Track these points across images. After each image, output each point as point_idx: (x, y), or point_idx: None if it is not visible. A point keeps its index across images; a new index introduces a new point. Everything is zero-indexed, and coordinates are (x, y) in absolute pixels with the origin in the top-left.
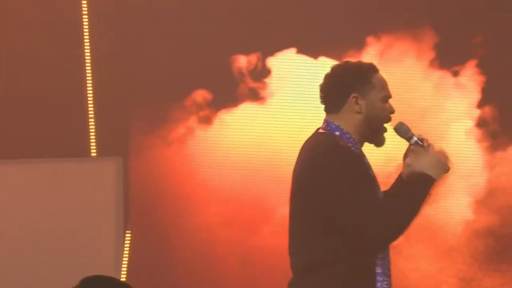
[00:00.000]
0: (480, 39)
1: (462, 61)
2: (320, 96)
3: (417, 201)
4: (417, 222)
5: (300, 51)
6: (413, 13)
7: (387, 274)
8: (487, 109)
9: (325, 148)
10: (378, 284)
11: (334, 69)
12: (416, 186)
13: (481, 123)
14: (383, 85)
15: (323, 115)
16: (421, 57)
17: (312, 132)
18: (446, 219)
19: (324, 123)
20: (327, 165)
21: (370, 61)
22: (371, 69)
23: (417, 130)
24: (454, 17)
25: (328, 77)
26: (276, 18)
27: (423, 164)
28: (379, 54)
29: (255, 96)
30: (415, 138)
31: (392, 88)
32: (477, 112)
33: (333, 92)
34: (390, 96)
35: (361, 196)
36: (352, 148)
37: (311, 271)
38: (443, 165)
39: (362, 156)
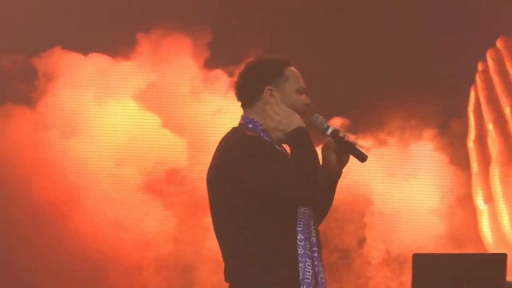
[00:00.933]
0: (255, 40)
1: (236, 62)
2: (236, 93)
3: (305, 150)
4: None
5: (68, 48)
6: (190, 11)
7: (310, 256)
8: None
9: (233, 140)
10: (300, 265)
11: (247, 65)
12: (295, 143)
13: None
14: (297, 77)
15: (106, 112)
16: (196, 56)
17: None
18: None
19: (240, 119)
20: (236, 154)
21: (142, 59)
22: (283, 62)
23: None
24: (231, 17)
25: (241, 73)
26: (40, 18)
27: (283, 125)
28: (151, 52)
29: (23, 98)
30: (331, 130)
31: (165, 86)
32: None
33: (248, 87)
34: (304, 88)
35: (272, 163)
36: (265, 138)
37: (234, 260)
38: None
39: (273, 143)
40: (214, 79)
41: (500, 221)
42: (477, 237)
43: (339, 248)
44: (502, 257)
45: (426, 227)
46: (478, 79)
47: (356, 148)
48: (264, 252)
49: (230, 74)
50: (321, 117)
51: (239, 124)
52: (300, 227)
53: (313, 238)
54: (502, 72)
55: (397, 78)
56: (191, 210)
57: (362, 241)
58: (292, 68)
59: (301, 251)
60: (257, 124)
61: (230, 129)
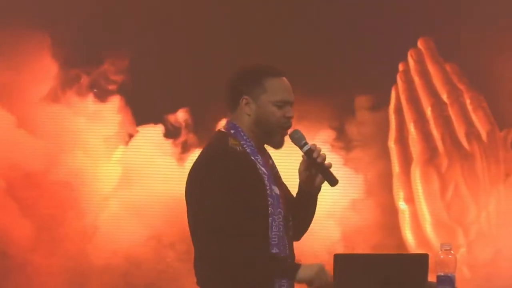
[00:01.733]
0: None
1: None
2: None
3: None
4: None
5: None
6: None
7: (283, 243)
8: None
9: (209, 152)
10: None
11: (234, 72)
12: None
13: None
14: (278, 89)
15: None
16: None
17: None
18: None
19: (225, 122)
20: (204, 166)
21: None
22: (266, 72)
23: None
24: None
25: (228, 78)
26: None
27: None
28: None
29: None
30: (307, 147)
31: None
32: None
33: (228, 93)
34: (288, 101)
35: (220, 216)
36: (245, 146)
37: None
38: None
39: (252, 154)
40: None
41: (421, 221)
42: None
43: None
44: (424, 257)
45: (320, 230)
46: (399, 80)
47: (327, 171)
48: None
49: (89, 74)
50: (300, 132)
51: (224, 128)
52: (275, 241)
53: (289, 253)
54: (423, 73)
55: (316, 77)
56: (49, 216)
57: None
58: (278, 79)
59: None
60: (239, 129)
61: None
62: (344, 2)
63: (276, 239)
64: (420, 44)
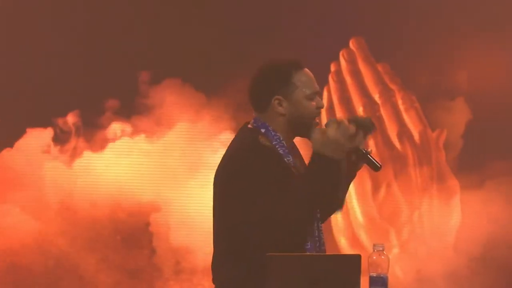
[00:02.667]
0: None
1: None
2: (248, 98)
3: (316, 185)
4: None
5: None
6: None
7: (316, 229)
8: None
9: (242, 147)
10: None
11: (258, 71)
12: (312, 169)
13: None
14: (307, 82)
15: None
16: None
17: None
18: None
19: (252, 118)
20: (238, 168)
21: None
22: (293, 67)
23: None
24: None
25: (252, 79)
26: None
27: (320, 143)
28: None
29: None
30: None
31: None
32: None
33: (256, 94)
34: (318, 92)
35: (262, 203)
36: (277, 147)
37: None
38: (340, 146)
39: (284, 155)
40: None
41: (352, 221)
42: (330, 238)
43: (126, 268)
44: (357, 258)
45: None
46: (331, 80)
47: (370, 157)
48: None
49: None
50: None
51: (250, 124)
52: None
53: (322, 247)
54: (355, 73)
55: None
56: None
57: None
58: (303, 72)
59: (309, 246)
60: (270, 129)
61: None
62: (275, 2)
63: (309, 231)
64: (351, 44)
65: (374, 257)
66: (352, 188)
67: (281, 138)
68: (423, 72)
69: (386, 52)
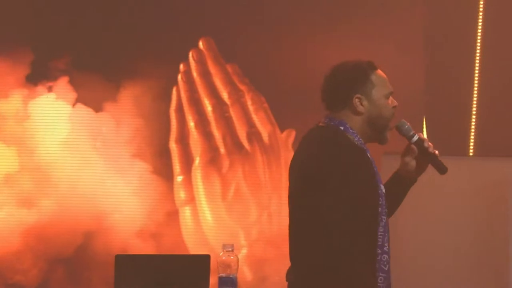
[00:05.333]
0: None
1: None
2: (322, 97)
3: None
4: None
5: None
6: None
7: (383, 270)
8: None
9: (327, 140)
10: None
11: (334, 70)
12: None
13: None
14: (384, 81)
15: None
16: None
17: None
18: None
19: (325, 118)
20: (327, 164)
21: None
22: (369, 67)
23: None
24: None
25: (328, 79)
26: None
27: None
28: None
29: None
30: (416, 138)
31: None
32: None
33: (335, 94)
34: (392, 92)
35: (356, 192)
36: (357, 143)
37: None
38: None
39: (365, 151)
40: None
41: (201, 222)
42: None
43: None
44: (206, 258)
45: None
46: (181, 80)
47: (437, 159)
48: (339, 260)
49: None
50: (408, 123)
51: (322, 123)
52: (380, 241)
53: (388, 250)
54: (205, 73)
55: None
56: None
57: None
58: (378, 72)
59: (376, 265)
60: (347, 126)
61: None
62: (125, 3)
63: (380, 239)
64: (201, 44)
65: (223, 258)
66: (201, 188)
67: (359, 137)
68: (273, 73)
69: (235, 52)
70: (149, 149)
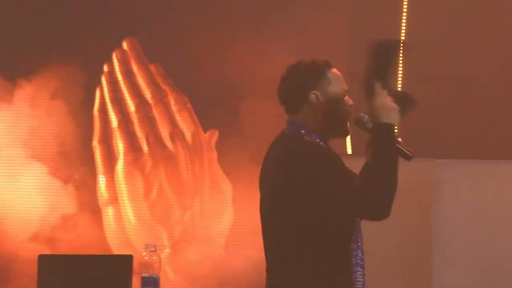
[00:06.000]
0: None
1: None
2: (279, 98)
3: (385, 151)
4: None
5: None
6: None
7: (360, 265)
8: None
9: (293, 145)
10: (354, 275)
11: (290, 69)
12: (376, 140)
13: None
14: (340, 79)
15: None
16: None
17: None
18: None
19: (287, 124)
20: (299, 160)
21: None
22: (325, 64)
23: None
24: None
25: (285, 78)
26: None
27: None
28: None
29: None
30: None
31: None
32: None
33: (292, 92)
34: (348, 90)
35: (340, 176)
36: (320, 144)
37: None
38: (394, 108)
39: (331, 149)
40: None
41: (124, 222)
42: (102, 240)
43: None
44: (128, 258)
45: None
46: (104, 80)
47: (400, 147)
48: (316, 261)
49: None
50: (366, 116)
51: (287, 129)
52: (354, 238)
53: (362, 245)
54: (128, 73)
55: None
56: None
57: None
58: (334, 70)
59: (353, 260)
60: (308, 129)
61: (279, 133)
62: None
63: (355, 235)
64: (125, 44)
65: (146, 258)
66: (124, 188)
67: (321, 137)
68: (196, 73)
69: (159, 53)
70: (47, 150)
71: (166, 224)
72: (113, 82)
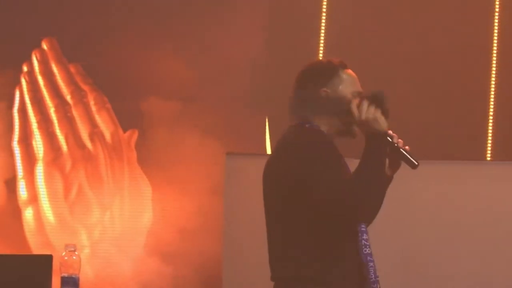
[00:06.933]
0: None
1: None
2: (292, 92)
3: (375, 159)
4: None
5: None
6: None
7: (364, 230)
8: None
9: (295, 136)
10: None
11: (306, 66)
12: (368, 148)
13: None
14: (353, 80)
15: None
16: None
17: None
18: None
19: (295, 118)
20: (299, 149)
21: None
22: (340, 64)
23: None
24: None
25: (298, 75)
26: None
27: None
28: None
29: None
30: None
31: None
32: None
33: (303, 88)
34: (360, 92)
35: (335, 171)
36: (323, 134)
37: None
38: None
39: (332, 144)
40: None
41: (44, 222)
42: (22, 240)
43: None
44: (48, 258)
45: None
46: (23, 80)
47: (407, 155)
48: (325, 254)
49: None
50: None
51: (295, 124)
52: (363, 228)
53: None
54: (48, 73)
55: None
56: None
57: None
58: (348, 71)
59: (366, 250)
60: (314, 123)
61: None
62: None
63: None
64: (44, 44)
65: (66, 258)
66: (44, 188)
67: (325, 134)
68: (116, 73)
69: (79, 53)
70: None
71: (86, 224)
72: (32, 82)
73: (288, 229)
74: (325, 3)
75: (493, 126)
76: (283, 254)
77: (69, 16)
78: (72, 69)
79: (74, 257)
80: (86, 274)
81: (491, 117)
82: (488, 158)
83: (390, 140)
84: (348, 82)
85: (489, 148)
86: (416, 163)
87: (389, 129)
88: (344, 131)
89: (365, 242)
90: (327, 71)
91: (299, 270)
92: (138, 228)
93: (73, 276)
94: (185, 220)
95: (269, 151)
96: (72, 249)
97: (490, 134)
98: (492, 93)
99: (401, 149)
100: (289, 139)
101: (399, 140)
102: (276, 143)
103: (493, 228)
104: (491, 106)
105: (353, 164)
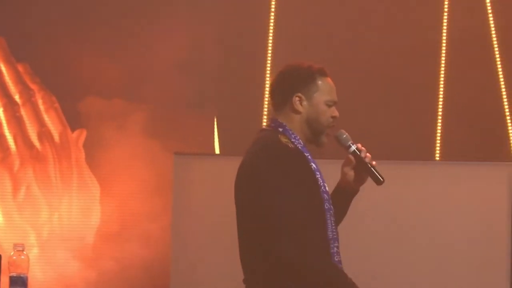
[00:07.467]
0: None
1: None
2: (269, 92)
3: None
4: None
5: None
6: None
7: (335, 238)
8: None
9: (265, 144)
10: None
11: (283, 68)
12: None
13: None
14: (329, 88)
15: None
16: None
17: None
18: None
19: (269, 120)
20: (263, 163)
21: None
22: (319, 71)
23: None
24: None
25: (276, 75)
26: None
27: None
28: None
29: None
30: (353, 148)
31: None
32: None
33: (278, 90)
34: (335, 101)
35: (289, 195)
36: (295, 143)
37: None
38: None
39: (304, 153)
40: None
41: None
42: None
43: None
44: None
45: None
46: None
47: (373, 170)
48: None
49: None
50: (346, 133)
51: (267, 126)
52: (330, 237)
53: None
54: None
55: None
56: None
57: None
58: (327, 79)
59: (336, 258)
60: (286, 127)
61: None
62: None
63: (331, 235)
64: None
65: (14, 257)
66: None
67: (299, 138)
68: (64, 72)
69: (27, 52)
70: None
71: (34, 224)
72: None
73: (253, 238)
74: (273, 3)
75: (442, 126)
76: (251, 260)
77: (17, 16)
78: (20, 68)
79: (22, 257)
80: (34, 273)
81: (439, 118)
82: (437, 158)
83: (358, 153)
84: (324, 90)
85: (438, 148)
86: (382, 180)
87: (358, 143)
88: (312, 140)
89: (336, 249)
90: (304, 77)
91: (268, 280)
92: (86, 228)
93: (22, 275)
94: (133, 220)
95: (217, 151)
96: (21, 248)
97: (439, 135)
98: (441, 94)
99: (368, 164)
100: (258, 149)
101: (367, 154)
102: (250, 146)
103: (442, 227)
104: (440, 107)
105: (323, 164)
